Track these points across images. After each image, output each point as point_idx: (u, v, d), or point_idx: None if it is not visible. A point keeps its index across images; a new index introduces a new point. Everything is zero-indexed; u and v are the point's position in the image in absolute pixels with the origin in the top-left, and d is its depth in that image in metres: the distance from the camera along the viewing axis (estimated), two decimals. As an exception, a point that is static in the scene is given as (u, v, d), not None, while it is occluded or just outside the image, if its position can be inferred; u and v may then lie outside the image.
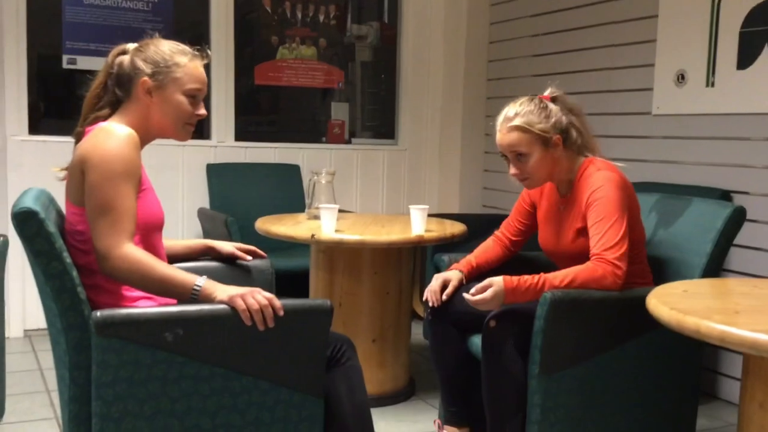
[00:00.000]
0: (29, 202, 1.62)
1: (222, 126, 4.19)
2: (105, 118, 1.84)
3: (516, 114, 2.19)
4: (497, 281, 2.06)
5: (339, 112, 4.67)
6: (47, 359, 3.40)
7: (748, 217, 2.31)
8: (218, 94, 4.16)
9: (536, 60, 4.15)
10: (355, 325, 2.89)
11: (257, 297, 1.69)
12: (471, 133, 4.61)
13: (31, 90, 3.82)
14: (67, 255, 1.65)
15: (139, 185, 1.77)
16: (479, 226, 3.04)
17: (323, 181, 3.14)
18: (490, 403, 2.16)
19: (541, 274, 2.09)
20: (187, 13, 4.25)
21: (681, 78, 3.26)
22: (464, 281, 2.36)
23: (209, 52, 1.94)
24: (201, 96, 1.89)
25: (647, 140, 3.46)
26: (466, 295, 2.11)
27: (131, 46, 1.89)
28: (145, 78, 1.82)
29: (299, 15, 4.44)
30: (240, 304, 1.67)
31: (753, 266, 2.99)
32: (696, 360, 2.33)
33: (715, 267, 2.26)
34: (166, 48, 1.86)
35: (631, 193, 2.20)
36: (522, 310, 2.10)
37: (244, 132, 4.30)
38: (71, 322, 1.65)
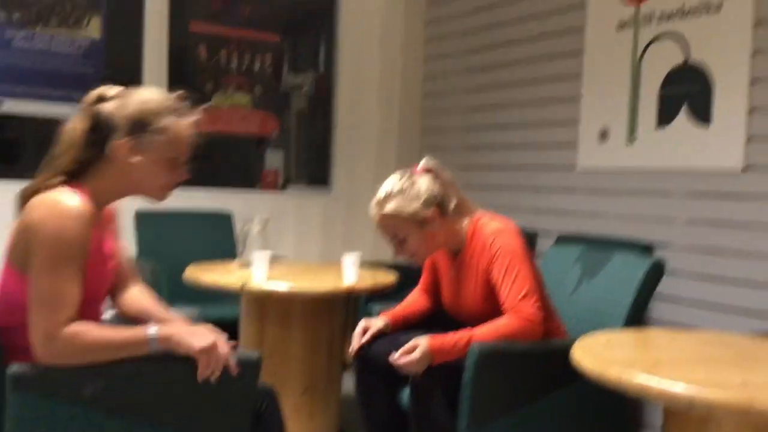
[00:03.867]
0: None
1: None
2: (71, 175, 1.66)
3: (386, 197, 2.21)
4: (423, 342, 2.05)
5: (273, 159, 4.67)
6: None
7: (669, 269, 2.40)
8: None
9: (468, 113, 4.25)
10: (285, 376, 2.85)
11: (219, 356, 1.61)
12: (404, 183, 4.65)
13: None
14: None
15: (88, 260, 1.63)
16: (412, 275, 3.06)
17: (256, 230, 3.12)
18: (420, 455, 2.15)
19: (466, 331, 2.10)
20: (119, 58, 4.22)
21: (604, 135, 3.39)
22: (388, 329, 2.35)
23: (201, 108, 1.76)
24: (184, 158, 1.74)
25: (572, 194, 3.57)
26: (392, 358, 2.08)
27: (111, 91, 1.70)
28: (125, 138, 1.64)
29: (235, 63, 4.45)
30: (204, 362, 1.60)
31: (674, 317, 3.09)
32: (621, 412, 2.38)
33: (637, 318, 2.33)
34: (153, 105, 1.67)
35: (523, 242, 2.23)
36: (449, 362, 2.11)
37: (175, 178, 4.24)
38: (-14, 377, 1.59)
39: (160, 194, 1.76)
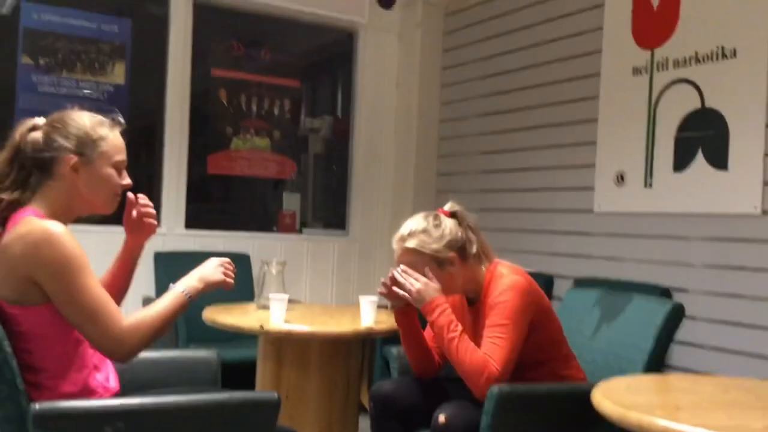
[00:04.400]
0: (-28, 290, 1.59)
1: (172, 214, 4.19)
2: (20, 202, 1.73)
3: (410, 233, 2.23)
4: (434, 287, 2.15)
5: (291, 202, 4.71)
6: (-25, 454, 3.23)
7: (687, 314, 2.39)
8: (170, 182, 4.17)
9: (484, 157, 4.29)
10: (301, 419, 2.83)
11: (225, 265, 1.92)
12: (420, 226, 4.67)
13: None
14: (8, 344, 1.61)
15: None
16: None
17: (274, 271, 3.14)
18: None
19: (458, 328, 2.12)
20: (143, 102, 4.31)
21: (620, 178, 3.40)
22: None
23: (121, 118, 1.88)
24: (125, 166, 1.85)
25: (589, 237, 3.57)
26: (395, 271, 2.19)
27: (41, 121, 1.80)
28: (71, 155, 1.74)
29: (254, 107, 4.53)
30: (230, 283, 1.91)
31: (692, 362, 3.06)
32: (641, 456, 2.35)
33: (657, 363, 2.31)
34: (86, 121, 1.79)
35: (536, 297, 2.21)
36: (472, 405, 2.10)
37: (194, 220, 4.30)
38: (8, 413, 1.60)
39: (111, 202, 1.85)
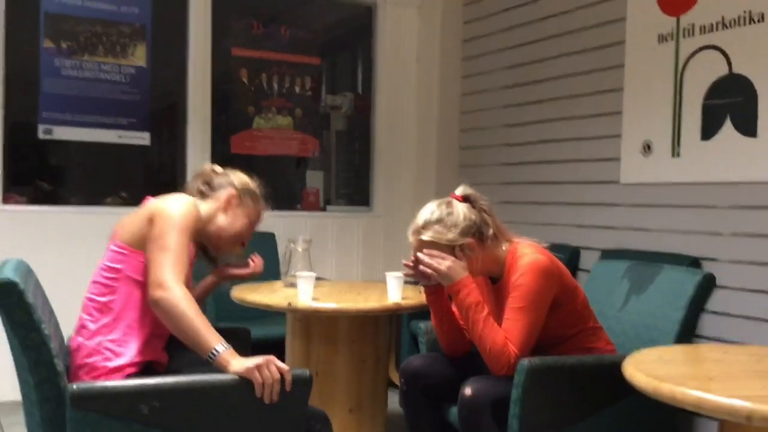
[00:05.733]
0: (9, 273, 1.62)
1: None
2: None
3: (425, 225, 2.23)
4: (461, 265, 2.17)
5: (314, 180, 4.72)
6: (14, 433, 3.30)
7: (717, 284, 2.37)
8: (194, 162, 4.18)
9: (508, 129, 4.26)
10: (331, 395, 2.86)
11: (272, 369, 1.72)
12: (444, 201, 4.67)
13: (5, 159, 3.82)
14: (46, 326, 1.64)
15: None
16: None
17: (300, 249, 3.16)
18: (469, 474, 2.15)
19: (485, 309, 2.14)
20: (164, 84, 4.32)
21: (647, 148, 3.36)
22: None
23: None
24: (252, 232, 2.23)
25: (616, 208, 3.54)
26: (420, 255, 2.20)
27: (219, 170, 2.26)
28: (234, 192, 2.16)
29: (275, 86, 4.52)
30: (257, 378, 1.70)
31: (724, 332, 3.03)
32: (671, 427, 2.35)
33: (688, 333, 2.30)
34: (255, 185, 2.27)
35: (557, 275, 2.20)
36: (499, 379, 2.11)
37: (219, 200, 4.31)
38: (46, 394, 1.63)
39: (232, 246, 2.20)
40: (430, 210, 2.25)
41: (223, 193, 2.16)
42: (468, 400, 2.10)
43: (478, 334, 2.12)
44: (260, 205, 2.25)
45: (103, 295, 1.89)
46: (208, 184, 2.20)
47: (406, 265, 2.31)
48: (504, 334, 2.11)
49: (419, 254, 2.22)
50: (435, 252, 2.19)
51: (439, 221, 2.22)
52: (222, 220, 2.14)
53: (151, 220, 1.90)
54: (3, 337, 1.75)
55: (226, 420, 1.70)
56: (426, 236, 2.21)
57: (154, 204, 1.96)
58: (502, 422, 2.08)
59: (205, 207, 2.13)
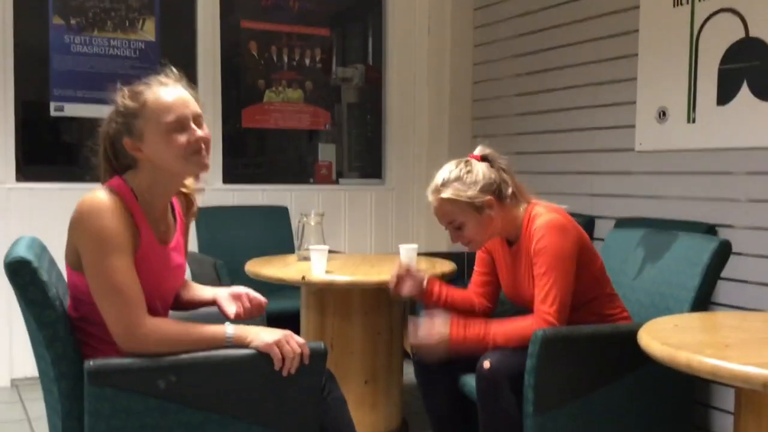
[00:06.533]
0: (22, 251, 1.62)
1: (210, 169, 4.20)
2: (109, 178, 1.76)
3: (444, 183, 2.21)
4: (444, 332, 2.12)
5: (326, 153, 4.71)
6: (35, 409, 3.35)
7: (733, 251, 2.34)
8: (206, 137, 4.18)
9: (520, 99, 4.21)
10: (346, 367, 2.88)
11: (292, 344, 1.70)
12: (457, 172, 4.64)
13: (18, 137, 3.83)
14: (60, 303, 1.65)
15: (139, 251, 1.70)
16: (467, 264, 3.05)
17: (312, 223, 3.16)
18: (487, 445, 2.15)
19: (488, 329, 2.13)
20: (174, 59, 4.26)
21: (662, 115, 3.32)
22: (424, 285, 2.39)
23: (173, 69, 1.80)
24: (187, 121, 1.72)
25: (631, 176, 3.51)
26: (411, 339, 2.17)
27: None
28: (125, 139, 1.71)
29: (285, 59, 4.49)
30: (276, 353, 1.69)
31: (740, 299, 3.01)
32: (688, 394, 2.34)
33: (704, 301, 2.28)
34: (129, 91, 1.75)
35: (576, 233, 2.19)
36: (516, 351, 2.11)
37: (231, 175, 4.32)
38: (64, 371, 1.65)
39: (190, 164, 1.75)
40: (448, 169, 2.24)
41: (125, 147, 1.72)
42: (486, 373, 2.09)
43: (506, 342, 2.11)
44: (153, 103, 1.70)
45: (77, 312, 1.74)
46: (115, 153, 1.76)
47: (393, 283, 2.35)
48: (519, 323, 2.12)
49: (413, 341, 2.19)
50: (421, 336, 2.16)
51: (458, 179, 2.20)
52: (158, 163, 1.72)
53: (72, 239, 1.67)
54: (19, 315, 1.76)
55: (243, 394, 1.71)
56: (446, 194, 2.20)
57: (73, 217, 1.66)
58: (520, 394, 2.08)
59: (139, 175, 1.74)
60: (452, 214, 2.22)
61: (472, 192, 2.18)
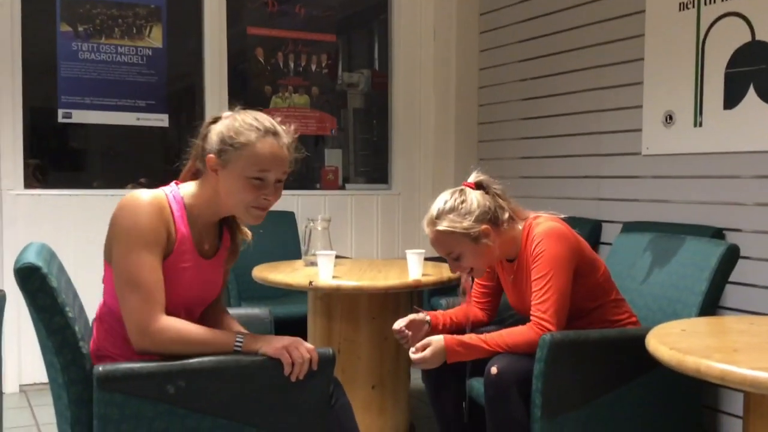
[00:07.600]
0: (32, 257, 1.63)
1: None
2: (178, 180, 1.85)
3: (438, 215, 2.21)
4: (437, 340, 2.12)
5: (332, 158, 4.71)
6: (44, 415, 3.36)
7: (741, 254, 2.34)
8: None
9: (527, 103, 4.22)
10: (354, 372, 2.88)
11: (302, 350, 1.71)
12: (463, 177, 4.55)
13: (26, 144, 3.84)
14: (70, 309, 1.66)
15: (166, 252, 1.73)
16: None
17: (319, 228, 3.16)
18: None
19: (484, 336, 2.14)
20: (181, 65, 4.32)
21: (669, 119, 3.31)
22: (428, 324, 2.37)
23: (291, 128, 1.83)
24: (270, 179, 1.76)
25: (638, 180, 3.50)
26: (411, 355, 2.16)
27: (226, 113, 1.83)
28: (211, 155, 1.74)
29: (291, 65, 4.51)
30: (286, 358, 1.70)
31: (748, 303, 3.00)
32: (696, 399, 2.34)
33: (711, 305, 2.28)
34: (238, 123, 1.76)
35: (574, 241, 2.19)
36: (524, 356, 2.11)
37: (238, 180, 4.32)
38: (73, 377, 1.65)
39: (248, 214, 1.79)
40: (443, 200, 2.24)
41: (206, 160, 1.76)
42: (494, 378, 2.09)
43: (503, 349, 2.11)
44: (255, 148, 1.73)
45: (107, 306, 1.80)
46: (199, 156, 1.81)
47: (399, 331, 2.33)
48: (515, 330, 2.13)
49: (411, 357, 2.18)
50: (414, 349, 2.16)
51: (452, 210, 2.20)
52: (222, 193, 1.76)
53: (110, 233, 1.72)
54: (28, 322, 1.77)
55: (252, 399, 1.71)
56: (441, 226, 2.20)
57: (114, 212, 1.72)
58: (528, 399, 2.08)
59: (205, 186, 1.79)
60: (449, 245, 2.22)
61: (467, 222, 2.18)
